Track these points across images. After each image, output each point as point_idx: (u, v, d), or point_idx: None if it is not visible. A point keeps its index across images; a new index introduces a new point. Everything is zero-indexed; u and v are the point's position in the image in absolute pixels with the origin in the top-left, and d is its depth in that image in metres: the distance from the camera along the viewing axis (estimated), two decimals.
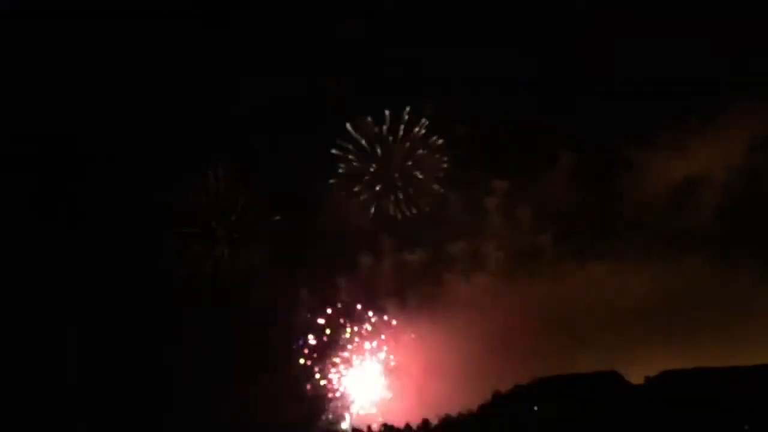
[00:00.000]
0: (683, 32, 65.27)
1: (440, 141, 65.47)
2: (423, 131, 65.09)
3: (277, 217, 63.84)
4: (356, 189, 65.39)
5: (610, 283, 66.55)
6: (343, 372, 62.93)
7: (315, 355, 63.51)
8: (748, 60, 64.47)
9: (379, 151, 65.30)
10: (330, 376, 62.87)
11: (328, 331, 64.18)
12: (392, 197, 65.25)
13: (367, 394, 62.72)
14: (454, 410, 57.70)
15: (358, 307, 65.26)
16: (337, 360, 63.28)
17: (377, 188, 65.34)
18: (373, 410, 62.50)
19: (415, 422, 58.29)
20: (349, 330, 63.96)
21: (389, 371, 62.73)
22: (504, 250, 67.07)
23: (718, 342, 60.28)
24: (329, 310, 64.63)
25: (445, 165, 65.49)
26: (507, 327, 64.76)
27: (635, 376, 56.91)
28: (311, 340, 63.74)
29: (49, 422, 57.37)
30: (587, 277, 66.55)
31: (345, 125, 65.13)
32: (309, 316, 63.96)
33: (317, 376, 62.71)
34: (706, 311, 63.17)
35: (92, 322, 60.03)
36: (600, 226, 67.13)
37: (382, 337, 64.31)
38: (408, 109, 64.75)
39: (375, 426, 59.94)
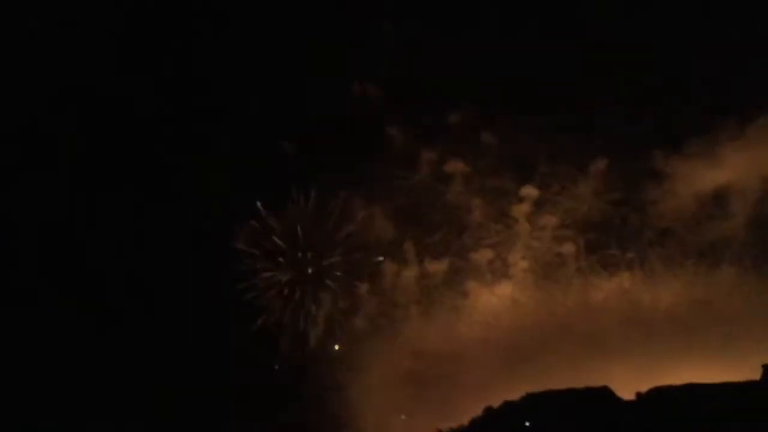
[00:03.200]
0: (716, 37, 63.23)
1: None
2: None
3: None
4: None
5: (636, 294, 65.35)
6: None
7: None
8: None
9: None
10: None
11: None
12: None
13: None
14: (456, 423, 57.88)
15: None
16: None
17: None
18: None
19: None
20: None
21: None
22: (530, 260, 66.51)
23: (749, 355, 58.39)
24: None
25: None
26: (526, 338, 64.69)
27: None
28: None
29: None
30: (613, 288, 65.51)
31: None
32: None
33: None
34: (737, 323, 61.37)
35: None
36: (629, 236, 65.83)
37: None
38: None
39: None
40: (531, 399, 52.54)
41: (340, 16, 64.91)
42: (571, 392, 52.18)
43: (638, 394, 51.68)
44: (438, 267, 66.06)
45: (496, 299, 65.66)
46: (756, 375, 53.53)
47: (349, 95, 65.91)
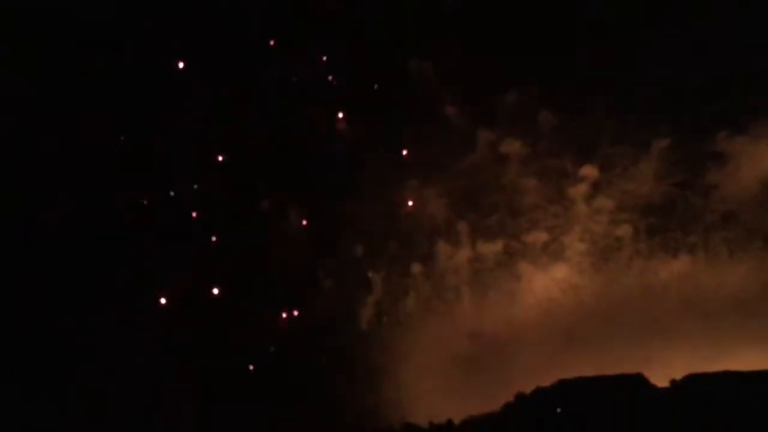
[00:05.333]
0: None
1: None
2: None
3: None
4: None
5: (698, 279, 63.73)
6: None
7: None
8: None
9: None
10: None
11: None
12: None
13: None
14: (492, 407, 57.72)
15: None
16: None
17: None
18: None
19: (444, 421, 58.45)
20: None
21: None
22: (587, 242, 65.58)
23: None
24: None
25: None
26: (583, 322, 63.96)
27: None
28: None
29: None
30: (675, 272, 64.07)
31: None
32: None
33: None
34: None
35: None
36: (691, 218, 64.19)
37: None
38: None
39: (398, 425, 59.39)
40: (563, 385, 51.85)
41: None
42: (603, 379, 51.37)
43: (672, 381, 50.41)
44: (492, 249, 65.33)
45: (551, 282, 64.74)
46: None
47: (405, 73, 64.71)
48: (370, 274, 65.29)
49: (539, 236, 65.37)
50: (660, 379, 51.83)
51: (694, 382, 49.26)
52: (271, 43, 64.19)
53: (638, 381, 50.32)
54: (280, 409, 60.23)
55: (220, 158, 62.44)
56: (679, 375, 54.34)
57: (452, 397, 62.39)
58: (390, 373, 64.07)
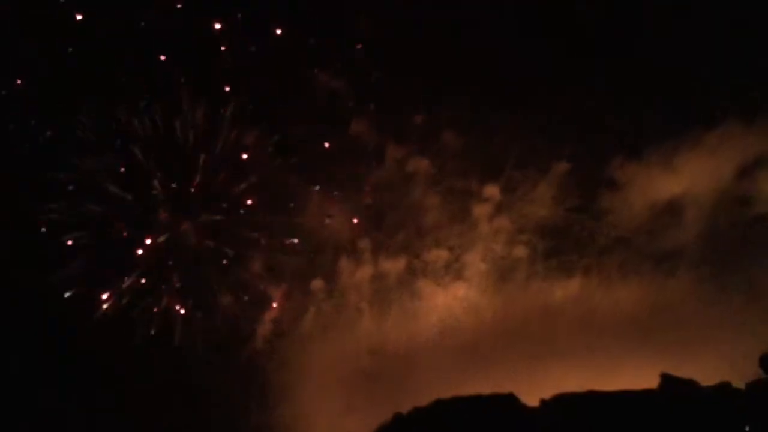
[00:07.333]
0: (677, 46, 62.17)
1: None
2: None
3: None
4: None
5: (591, 300, 64.96)
6: None
7: None
8: (743, 79, 61.08)
9: None
10: None
11: None
12: None
13: None
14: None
15: None
16: None
17: None
18: None
19: None
20: None
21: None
22: (488, 263, 66.51)
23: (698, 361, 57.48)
24: None
25: None
26: (482, 340, 64.94)
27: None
28: None
29: None
30: (569, 294, 65.21)
31: None
32: None
33: None
34: (690, 330, 60.99)
35: None
36: (585, 242, 65.39)
37: None
38: None
39: None
40: (439, 405, 52.62)
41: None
42: (478, 399, 52.20)
43: (542, 401, 51.46)
44: (395, 266, 65.99)
45: (452, 301, 65.58)
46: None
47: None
48: (270, 289, 64.93)
49: (441, 255, 65.64)
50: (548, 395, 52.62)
51: (562, 401, 49.96)
52: None
53: (510, 400, 51.00)
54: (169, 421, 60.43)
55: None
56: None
57: (348, 414, 62.96)
58: (287, 390, 64.31)
